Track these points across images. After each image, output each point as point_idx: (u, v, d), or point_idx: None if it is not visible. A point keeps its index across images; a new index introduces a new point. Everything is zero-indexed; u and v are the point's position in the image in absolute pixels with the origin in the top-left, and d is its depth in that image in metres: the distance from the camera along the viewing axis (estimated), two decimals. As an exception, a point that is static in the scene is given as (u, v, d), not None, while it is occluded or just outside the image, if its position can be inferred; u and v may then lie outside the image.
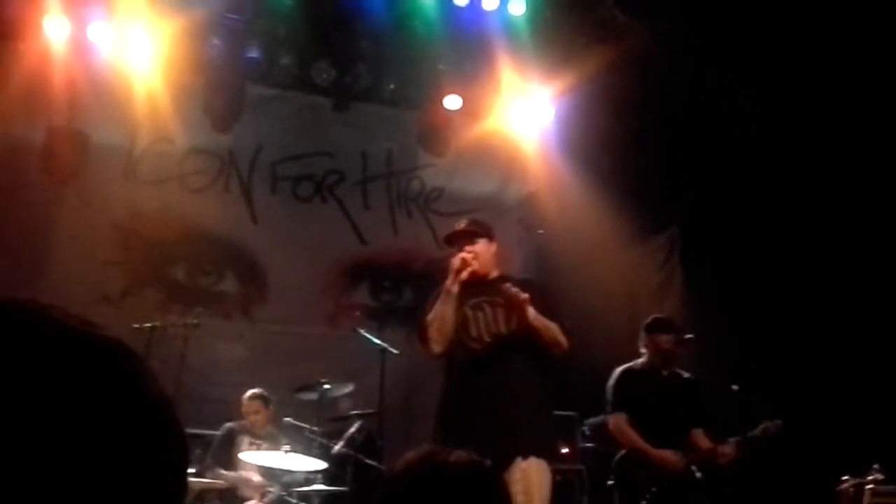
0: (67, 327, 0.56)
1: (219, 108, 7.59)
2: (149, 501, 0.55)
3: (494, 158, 8.21)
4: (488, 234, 4.23)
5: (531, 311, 3.91)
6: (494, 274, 4.19)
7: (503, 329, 4.03)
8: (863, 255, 6.13)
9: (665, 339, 5.02)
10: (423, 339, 4.01)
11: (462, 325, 4.01)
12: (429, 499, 1.49)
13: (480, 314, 4.06)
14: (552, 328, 3.98)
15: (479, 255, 4.08)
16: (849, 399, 5.76)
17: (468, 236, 4.16)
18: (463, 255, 4.03)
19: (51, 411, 0.51)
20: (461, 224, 4.28)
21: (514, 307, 3.93)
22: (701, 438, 4.94)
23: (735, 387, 5.10)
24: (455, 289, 3.98)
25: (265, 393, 6.12)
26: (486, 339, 4.02)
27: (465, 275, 3.99)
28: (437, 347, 3.97)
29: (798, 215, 6.46)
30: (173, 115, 7.32)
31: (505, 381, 3.94)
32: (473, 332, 4.03)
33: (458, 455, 1.60)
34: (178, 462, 0.58)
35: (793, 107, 6.51)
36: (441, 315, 3.96)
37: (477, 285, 4.07)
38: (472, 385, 3.93)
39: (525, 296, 3.91)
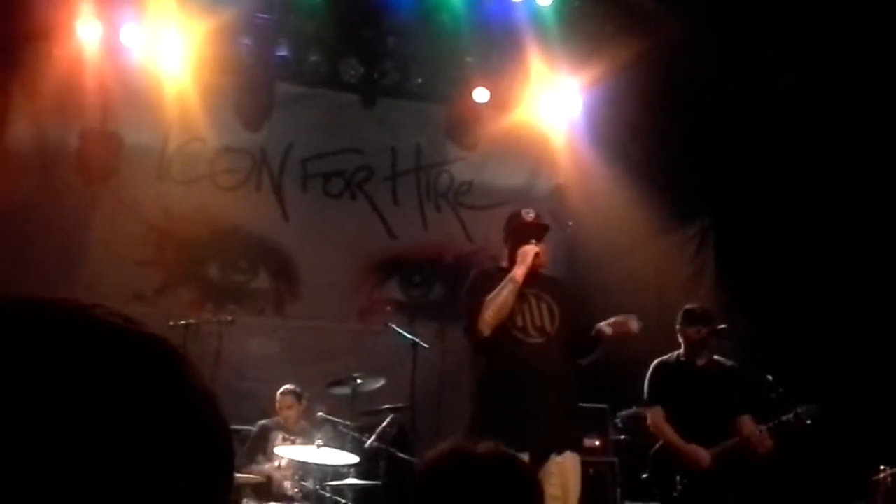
0: (112, 324, 0.57)
1: (249, 107, 7.67)
2: (196, 496, 0.55)
3: (523, 151, 8.19)
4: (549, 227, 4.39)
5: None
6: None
7: (548, 324, 4.11)
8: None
9: (693, 331, 4.98)
10: (474, 320, 4.05)
11: (509, 314, 4.07)
12: (460, 490, 1.51)
13: (526, 306, 4.13)
14: None
15: (545, 251, 4.19)
16: (886, 388, 5.66)
17: (542, 230, 4.27)
18: (537, 248, 4.11)
19: (98, 407, 0.52)
20: (531, 214, 4.31)
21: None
22: (747, 425, 4.86)
23: (769, 377, 5.05)
24: (521, 279, 4.05)
25: (298, 389, 6.18)
26: (532, 331, 4.09)
27: (538, 265, 4.10)
28: (486, 331, 4.02)
29: (832, 202, 6.36)
30: (204, 115, 7.41)
31: (548, 374, 4.00)
32: (519, 323, 4.09)
33: (488, 447, 1.62)
34: (224, 457, 0.58)
35: (830, 90, 6.39)
36: (503, 301, 4.02)
37: (527, 277, 4.14)
38: (516, 375, 3.99)
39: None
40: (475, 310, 4.06)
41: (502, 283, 4.05)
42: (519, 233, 4.23)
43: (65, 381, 0.51)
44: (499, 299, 4.02)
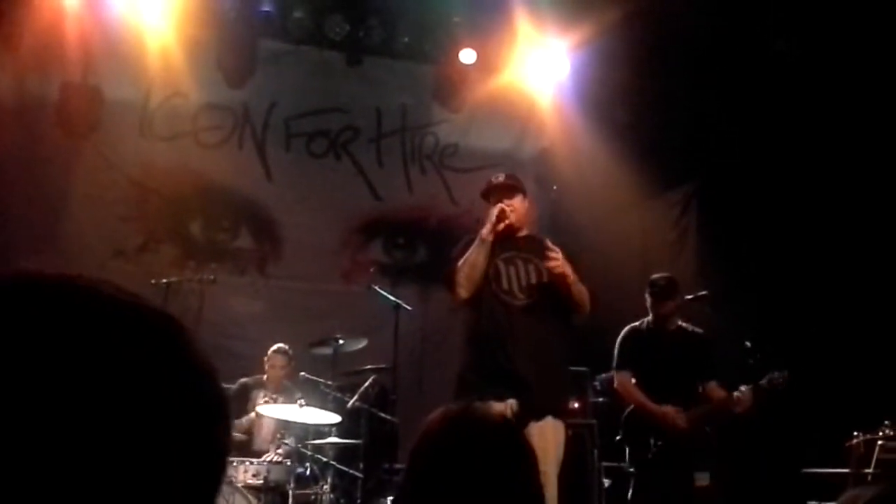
0: (118, 299, 0.58)
1: (232, 63, 7.56)
2: (193, 468, 0.57)
3: (509, 113, 8.14)
4: (524, 191, 4.35)
5: (571, 274, 4.02)
6: (524, 231, 4.30)
7: (535, 286, 4.13)
8: (881, 212, 6.06)
9: (657, 304, 5.06)
10: (451, 283, 4.12)
11: (494, 277, 4.11)
12: (465, 453, 1.53)
13: (513, 269, 4.15)
14: (584, 291, 4.11)
15: (516, 209, 4.19)
16: (860, 355, 5.74)
17: (507, 190, 4.26)
18: (502, 206, 4.13)
19: (102, 378, 0.53)
20: (499, 177, 4.34)
21: (558, 274, 4.00)
22: (715, 390, 4.98)
23: (748, 343, 5.11)
24: (490, 238, 4.09)
25: (289, 349, 6.18)
26: (519, 293, 4.12)
27: (501, 226, 4.11)
28: (463, 293, 4.08)
29: (816, 170, 6.37)
30: (187, 70, 7.30)
31: (535, 338, 4.03)
32: (505, 286, 4.12)
33: (489, 412, 1.69)
34: (222, 430, 0.60)
35: (822, 59, 6.35)
36: (473, 261, 4.07)
37: (509, 240, 4.18)
38: (503, 338, 4.02)
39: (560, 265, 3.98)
40: (451, 273, 4.12)
41: (474, 245, 4.11)
42: (489, 196, 4.29)
43: (70, 354, 0.53)
44: (469, 259, 4.08)
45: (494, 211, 4.13)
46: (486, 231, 4.10)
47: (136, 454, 0.53)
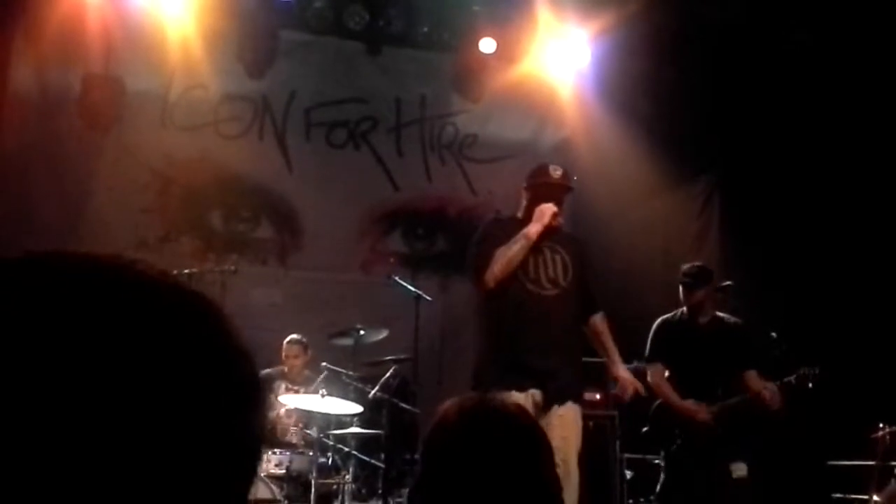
0: (156, 280, 0.58)
1: (252, 53, 7.56)
2: (232, 451, 0.56)
3: (529, 103, 8.09)
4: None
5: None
6: None
7: (561, 278, 4.14)
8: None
9: (699, 294, 4.99)
10: (481, 270, 4.08)
11: (521, 265, 4.08)
12: (481, 444, 1.52)
13: (541, 258, 4.14)
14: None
15: (561, 210, 4.19)
16: (886, 347, 5.68)
17: (564, 192, 4.27)
18: (556, 210, 4.11)
19: (139, 358, 0.52)
20: (558, 172, 4.26)
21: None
22: (754, 381, 4.88)
23: (774, 334, 5.06)
24: (535, 237, 4.06)
25: (304, 339, 6.21)
26: (545, 283, 4.12)
27: (554, 225, 4.10)
28: (492, 283, 4.05)
29: (839, 162, 6.30)
30: (207, 60, 7.31)
31: (558, 326, 4.05)
32: (532, 274, 4.11)
33: (505, 402, 1.65)
34: (258, 414, 0.60)
35: (843, 53, 6.27)
36: (514, 255, 4.03)
37: (541, 234, 4.14)
38: (527, 326, 4.02)
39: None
40: (483, 260, 4.07)
41: (515, 238, 4.06)
42: (542, 189, 4.21)
43: (106, 334, 0.52)
44: (510, 253, 4.03)
45: (548, 213, 4.07)
46: (534, 230, 4.05)
47: (172, 438, 0.52)
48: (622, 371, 4.21)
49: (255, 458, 0.60)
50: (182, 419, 0.53)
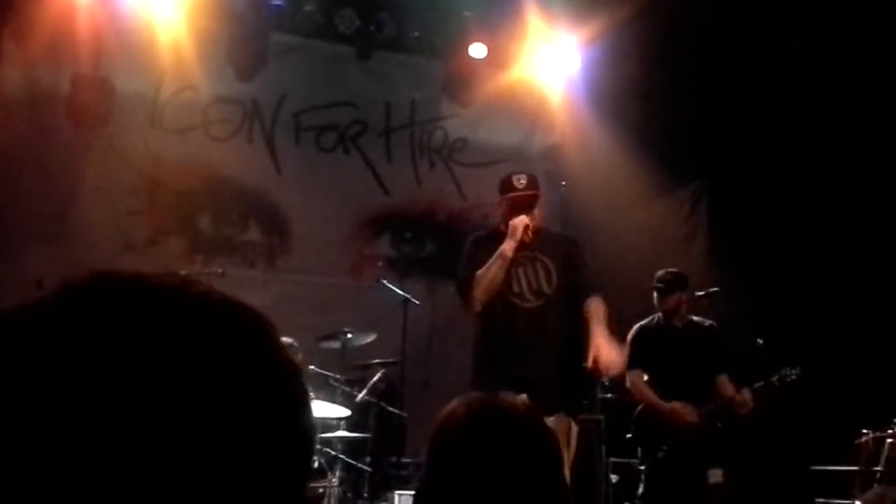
0: (212, 299, 0.60)
1: (242, 56, 7.55)
2: (288, 458, 0.59)
3: (519, 108, 8.12)
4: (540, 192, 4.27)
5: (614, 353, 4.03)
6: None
7: (545, 287, 4.10)
8: (893, 210, 6.02)
9: (662, 299, 5.05)
10: (467, 296, 4.08)
11: (504, 279, 4.05)
12: (492, 444, 1.47)
13: (522, 270, 4.10)
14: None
15: (535, 218, 4.12)
16: (870, 352, 5.71)
17: (532, 201, 4.16)
18: (527, 221, 4.05)
19: (195, 374, 0.55)
20: (521, 181, 4.18)
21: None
22: (725, 385, 4.94)
23: (760, 340, 5.09)
24: (511, 254, 4.01)
25: (293, 342, 6.18)
26: (529, 295, 4.09)
27: (526, 240, 4.03)
28: (478, 307, 4.05)
29: (827, 168, 6.34)
30: (197, 63, 7.30)
31: (545, 339, 4.02)
32: (516, 288, 4.08)
33: (514, 401, 1.60)
34: (306, 431, 0.62)
35: (835, 59, 6.31)
36: (493, 276, 4.01)
37: (519, 244, 4.10)
38: (513, 340, 4.01)
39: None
40: (467, 284, 4.07)
41: (492, 259, 4.03)
42: (510, 202, 4.17)
43: (168, 353, 0.55)
44: (489, 275, 4.02)
45: (520, 228, 4.02)
46: (508, 248, 4.01)
47: (232, 447, 0.55)
48: (599, 339, 3.96)
49: (311, 454, 0.65)
50: (241, 430, 0.56)
